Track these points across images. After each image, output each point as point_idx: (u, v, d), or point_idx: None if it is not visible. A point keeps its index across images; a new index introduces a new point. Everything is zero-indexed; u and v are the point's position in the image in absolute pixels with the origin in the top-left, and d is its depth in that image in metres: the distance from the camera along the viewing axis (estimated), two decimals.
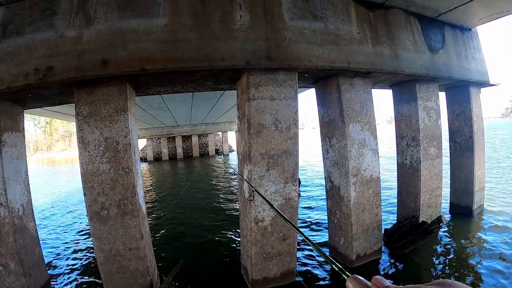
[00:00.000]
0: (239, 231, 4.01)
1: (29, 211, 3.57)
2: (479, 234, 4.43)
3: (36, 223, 3.69)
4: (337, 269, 0.73)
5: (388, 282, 0.48)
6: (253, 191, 2.84)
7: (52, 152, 57.76)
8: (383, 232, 4.01)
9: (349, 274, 0.57)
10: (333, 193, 3.65)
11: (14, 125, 3.44)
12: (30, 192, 3.62)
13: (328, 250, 3.94)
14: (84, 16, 2.92)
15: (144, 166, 21.14)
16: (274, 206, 3.00)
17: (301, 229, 5.20)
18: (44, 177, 19.54)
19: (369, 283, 0.51)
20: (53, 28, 2.91)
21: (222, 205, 7.42)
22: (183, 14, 2.87)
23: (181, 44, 2.80)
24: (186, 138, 25.35)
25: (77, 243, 5.50)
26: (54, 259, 4.72)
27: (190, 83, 3.20)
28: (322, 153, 3.84)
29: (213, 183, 11.13)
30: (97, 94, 2.93)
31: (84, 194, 2.93)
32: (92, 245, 4.68)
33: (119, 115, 2.89)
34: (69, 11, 2.94)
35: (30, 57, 2.84)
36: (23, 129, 3.64)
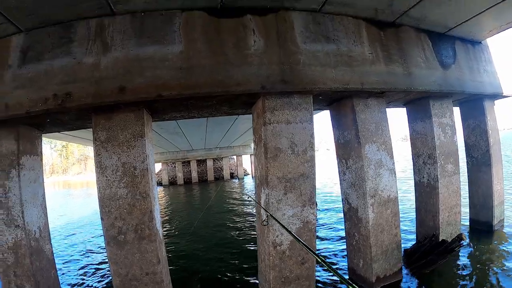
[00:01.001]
0: (255, 255, 3.93)
1: (46, 233, 3.59)
2: (501, 249, 4.28)
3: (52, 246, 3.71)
4: None
5: None
6: (267, 216, 2.81)
7: (68, 175, 58.88)
8: (402, 252, 3.90)
9: None
10: (351, 214, 3.59)
11: (33, 149, 3.50)
12: (47, 215, 3.65)
13: (347, 272, 3.84)
14: (102, 43, 3.01)
15: (159, 190, 21.20)
16: (292, 230, 2.98)
17: (319, 251, 5.15)
18: (59, 200, 19.76)
19: None
20: (71, 54, 2.99)
21: (238, 231, 7.30)
22: (198, 40, 2.94)
23: (196, 70, 2.85)
24: (201, 162, 25.33)
25: (92, 265, 5.50)
26: (68, 282, 4.71)
27: (206, 109, 3.24)
28: (339, 175, 3.80)
29: (229, 208, 10.85)
30: (115, 119, 2.98)
31: (102, 219, 2.94)
32: (108, 269, 4.68)
33: (137, 140, 2.92)
34: (87, 38, 3.02)
35: (49, 83, 2.92)
36: (41, 153, 3.70)
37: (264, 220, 2.91)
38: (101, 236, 7.29)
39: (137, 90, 2.85)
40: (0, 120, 2.97)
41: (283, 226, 1.72)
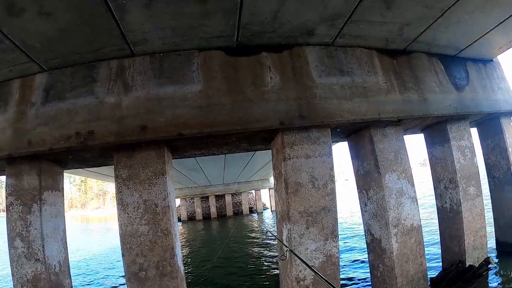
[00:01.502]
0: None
1: (66, 268, 3.61)
2: None
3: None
4: None
5: None
6: (287, 251, 2.78)
7: (86, 210, 59.75)
8: (429, 281, 3.76)
9: None
10: (374, 245, 3.51)
11: (54, 184, 3.58)
12: (67, 249, 3.68)
13: None
14: (123, 84, 3.12)
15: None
16: (315, 264, 2.92)
17: (343, 281, 5.00)
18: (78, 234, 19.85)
19: None
20: (93, 94, 3.11)
21: (260, 268, 7.16)
22: (216, 79, 3.03)
23: (216, 109, 2.92)
24: (219, 197, 25.32)
25: None
26: None
27: (226, 146, 3.29)
28: (360, 206, 3.76)
29: (249, 246, 10.37)
30: (136, 157, 3.04)
31: (123, 255, 2.95)
32: None
33: (158, 178, 2.97)
34: (108, 78, 3.15)
35: (71, 121, 3.03)
36: (62, 189, 3.78)
37: (283, 255, 2.88)
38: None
39: (158, 129, 2.93)
40: (23, 156, 3.07)
41: (305, 262, 1.69)
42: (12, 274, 3.17)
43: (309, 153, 2.97)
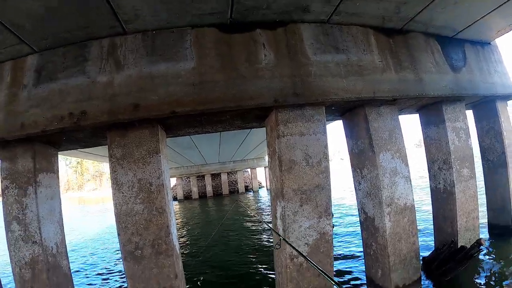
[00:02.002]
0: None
1: (63, 249, 3.63)
2: None
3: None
4: None
5: None
6: (280, 240, 2.81)
7: (83, 191, 59.74)
8: (421, 260, 3.83)
9: None
10: (368, 224, 3.55)
11: (49, 166, 3.56)
12: (63, 231, 3.69)
13: (365, 282, 3.78)
14: (115, 62, 3.07)
15: (174, 205, 21.03)
16: (309, 242, 2.96)
17: (337, 260, 5.09)
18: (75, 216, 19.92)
19: None
20: (85, 74, 3.06)
21: (254, 246, 7.27)
22: (209, 56, 2.98)
23: (209, 86, 2.89)
24: (215, 176, 25.45)
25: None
26: None
27: (220, 123, 3.27)
28: (354, 185, 3.77)
29: (244, 223, 10.53)
30: (130, 137, 3.02)
31: (118, 234, 2.96)
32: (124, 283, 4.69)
33: (152, 157, 2.95)
34: (100, 57, 3.09)
35: (64, 101, 2.99)
36: (57, 170, 3.77)
37: (277, 244, 2.91)
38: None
39: (150, 107, 2.90)
40: (16, 138, 3.04)
41: (296, 250, 1.70)
42: (10, 258, 3.18)
43: (303, 130, 2.96)
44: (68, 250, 3.76)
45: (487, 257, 4.28)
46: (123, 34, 3.13)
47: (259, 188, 27.08)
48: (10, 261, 3.19)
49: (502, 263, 3.99)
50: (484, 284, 3.57)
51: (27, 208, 3.24)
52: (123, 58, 3.09)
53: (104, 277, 5.86)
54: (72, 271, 3.82)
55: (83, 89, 3.01)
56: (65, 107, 2.96)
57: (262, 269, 5.28)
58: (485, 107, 4.83)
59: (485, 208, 5.10)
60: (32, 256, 3.20)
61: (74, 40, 3.11)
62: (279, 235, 2.81)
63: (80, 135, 3.42)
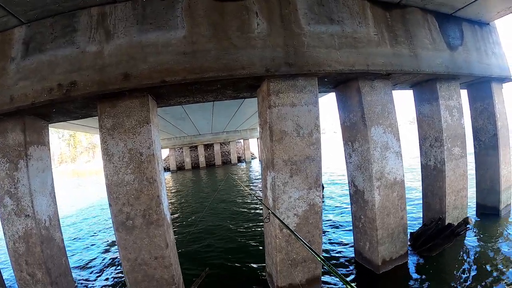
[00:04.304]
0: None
1: (56, 221, 3.65)
2: (507, 234, 4.26)
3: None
4: None
5: None
6: (269, 213, 2.83)
7: (77, 164, 59.35)
8: (408, 235, 3.91)
9: None
10: (357, 197, 3.59)
11: (40, 139, 3.53)
12: (56, 204, 3.70)
13: (353, 255, 3.87)
14: (104, 32, 2.99)
15: (167, 176, 21.15)
16: (299, 213, 2.99)
17: (327, 232, 5.18)
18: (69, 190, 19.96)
19: None
20: (74, 44, 2.99)
21: (247, 215, 7.33)
22: (201, 25, 2.91)
23: (200, 55, 2.83)
24: (208, 146, 25.57)
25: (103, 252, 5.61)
26: (80, 269, 4.82)
27: (211, 93, 3.23)
28: (345, 158, 3.79)
29: (236, 194, 10.74)
30: (120, 107, 2.98)
31: (110, 205, 2.98)
32: (117, 255, 4.76)
33: (142, 127, 2.93)
34: (89, 27, 3.01)
35: (53, 73, 2.93)
36: (48, 143, 3.74)
37: (266, 217, 2.94)
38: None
39: (141, 76, 2.85)
40: (6, 112, 3.00)
41: (285, 225, 1.72)
42: (4, 233, 3.20)
43: (295, 101, 2.94)
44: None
45: (474, 235, 4.37)
46: (113, 3, 3.04)
47: (252, 159, 27.31)
48: (4, 236, 3.20)
49: (487, 243, 4.07)
50: (467, 262, 3.64)
51: (19, 182, 3.23)
52: (113, 27, 3.01)
53: (97, 248, 5.93)
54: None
55: (72, 59, 2.94)
56: (55, 79, 2.91)
57: (248, 237, 5.41)
58: (480, 88, 4.82)
59: (474, 188, 5.18)
60: (26, 230, 3.22)
61: (62, 10, 3.02)
62: (268, 209, 2.84)
63: (70, 106, 3.37)
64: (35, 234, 3.24)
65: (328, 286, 3.40)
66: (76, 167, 54.33)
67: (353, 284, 0.78)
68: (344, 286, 3.29)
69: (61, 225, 3.77)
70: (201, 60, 2.81)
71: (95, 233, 7.26)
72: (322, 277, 3.30)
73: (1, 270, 3.86)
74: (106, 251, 5.68)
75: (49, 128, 3.91)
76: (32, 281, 3.27)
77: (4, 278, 3.96)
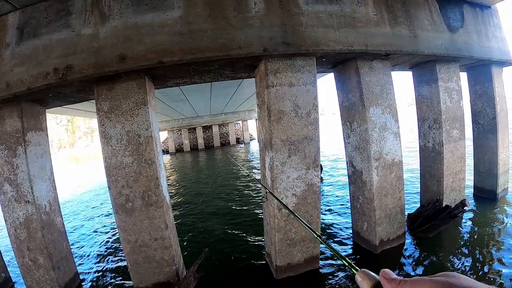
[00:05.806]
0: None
1: (56, 206, 3.67)
2: (503, 217, 4.29)
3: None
4: (347, 264, 0.77)
5: (395, 275, 0.51)
6: (266, 193, 2.84)
7: (75, 149, 59.14)
8: (406, 216, 3.95)
9: (358, 269, 0.63)
10: (356, 178, 3.61)
11: (37, 124, 3.52)
12: (56, 189, 3.72)
13: (351, 235, 3.91)
14: (99, 14, 2.95)
15: (166, 158, 21.14)
16: (297, 192, 3.01)
17: (325, 213, 5.23)
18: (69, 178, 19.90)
19: (377, 276, 0.56)
20: (69, 27, 2.94)
21: (246, 195, 7.41)
22: (197, 5, 2.86)
23: (197, 35, 2.80)
24: (207, 128, 25.61)
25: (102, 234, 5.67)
26: (81, 253, 4.87)
27: (208, 73, 3.20)
28: (343, 138, 3.79)
29: (235, 174, 10.93)
30: (117, 89, 2.96)
31: (109, 188, 2.99)
32: (118, 237, 4.81)
33: (140, 108, 2.92)
34: (84, 9, 2.97)
35: (48, 57, 2.90)
36: (46, 128, 3.73)
37: (263, 197, 2.94)
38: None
39: (137, 57, 2.82)
40: (2, 98, 2.98)
41: (283, 204, 1.72)
42: (5, 220, 3.23)
43: (293, 81, 2.92)
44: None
45: (470, 218, 4.42)
46: None
47: (250, 140, 27.36)
48: (5, 223, 3.23)
49: (484, 224, 4.12)
50: (463, 244, 3.69)
51: (18, 168, 3.24)
52: (108, 9, 2.96)
53: (97, 233, 6.00)
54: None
55: (68, 43, 2.90)
56: (50, 63, 2.88)
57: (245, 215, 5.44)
58: (480, 71, 4.79)
59: (472, 172, 5.21)
60: (26, 216, 3.25)
61: None
62: (266, 188, 2.86)
63: (67, 90, 3.34)
64: (36, 219, 3.27)
65: (326, 265, 3.45)
66: (75, 152, 53.91)
67: (347, 259, 0.79)
68: (341, 262, 3.36)
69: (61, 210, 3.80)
70: (198, 40, 2.78)
71: (92, 217, 7.32)
72: (320, 262, 3.35)
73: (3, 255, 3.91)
74: (107, 233, 5.76)
75: (47, 114, 3.90)
76: (35, 266, 3.32)
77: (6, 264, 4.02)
